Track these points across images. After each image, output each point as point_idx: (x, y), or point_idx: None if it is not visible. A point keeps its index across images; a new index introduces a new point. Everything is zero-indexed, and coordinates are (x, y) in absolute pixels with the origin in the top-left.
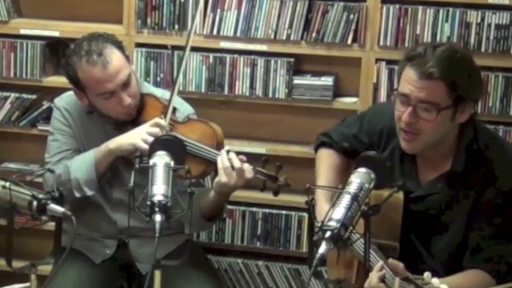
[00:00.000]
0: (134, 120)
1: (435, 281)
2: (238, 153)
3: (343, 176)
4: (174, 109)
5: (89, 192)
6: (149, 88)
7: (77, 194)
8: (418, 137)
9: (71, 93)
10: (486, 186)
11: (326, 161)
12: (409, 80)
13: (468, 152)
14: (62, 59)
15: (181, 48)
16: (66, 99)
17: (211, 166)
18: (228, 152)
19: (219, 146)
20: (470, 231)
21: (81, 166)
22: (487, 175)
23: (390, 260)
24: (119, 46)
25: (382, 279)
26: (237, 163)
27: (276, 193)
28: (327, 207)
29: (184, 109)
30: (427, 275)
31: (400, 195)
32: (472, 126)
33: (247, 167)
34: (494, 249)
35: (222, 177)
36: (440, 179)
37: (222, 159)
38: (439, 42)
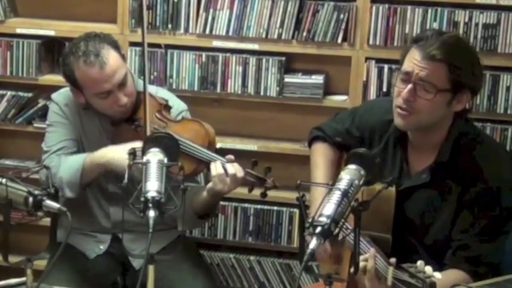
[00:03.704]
0: (130, 117)
1: (428, 269)
2: (230, 150)
3: (338, 169)
4: (169, 107)
5: (69, 194)
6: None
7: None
8: (413, 115)
9: (68, 88)
10: (472, 183)
11: (322, 154)
12: (412, 60)
13: (455, 145)
14: (57, 58)
15: (175, 47)
16: (64, 94)
17: (201, 165)
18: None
19: (210, 146)
20: (455, 228)
21: (69, 166)
22: (473, 172)
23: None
24: (116, 46)
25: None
26: (230, 169)
27: (263, 195)
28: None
29: (178, 106)
30: (420, 263)
31: (392, 188)
32: (463, 120)
33: (237, 166)
34: (477, 249)
35: (216, 185)
36: (425, 170)
37: (216, 167)
38: (446, 30)
